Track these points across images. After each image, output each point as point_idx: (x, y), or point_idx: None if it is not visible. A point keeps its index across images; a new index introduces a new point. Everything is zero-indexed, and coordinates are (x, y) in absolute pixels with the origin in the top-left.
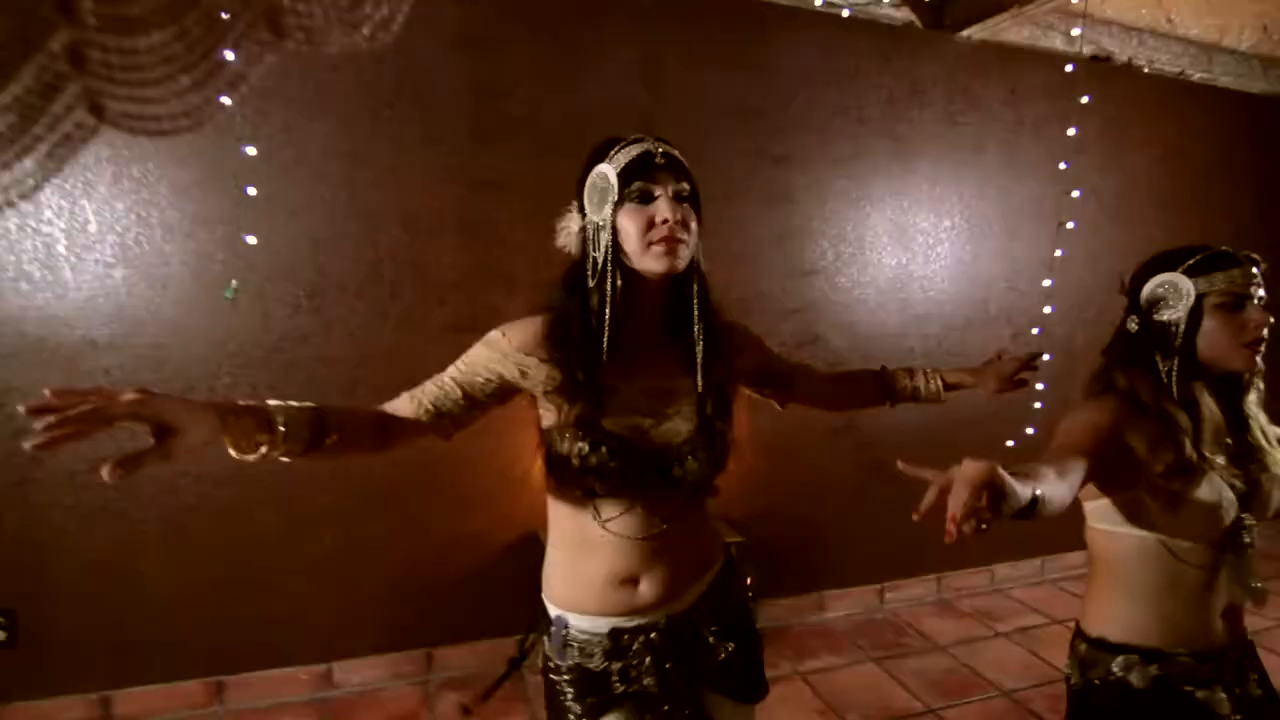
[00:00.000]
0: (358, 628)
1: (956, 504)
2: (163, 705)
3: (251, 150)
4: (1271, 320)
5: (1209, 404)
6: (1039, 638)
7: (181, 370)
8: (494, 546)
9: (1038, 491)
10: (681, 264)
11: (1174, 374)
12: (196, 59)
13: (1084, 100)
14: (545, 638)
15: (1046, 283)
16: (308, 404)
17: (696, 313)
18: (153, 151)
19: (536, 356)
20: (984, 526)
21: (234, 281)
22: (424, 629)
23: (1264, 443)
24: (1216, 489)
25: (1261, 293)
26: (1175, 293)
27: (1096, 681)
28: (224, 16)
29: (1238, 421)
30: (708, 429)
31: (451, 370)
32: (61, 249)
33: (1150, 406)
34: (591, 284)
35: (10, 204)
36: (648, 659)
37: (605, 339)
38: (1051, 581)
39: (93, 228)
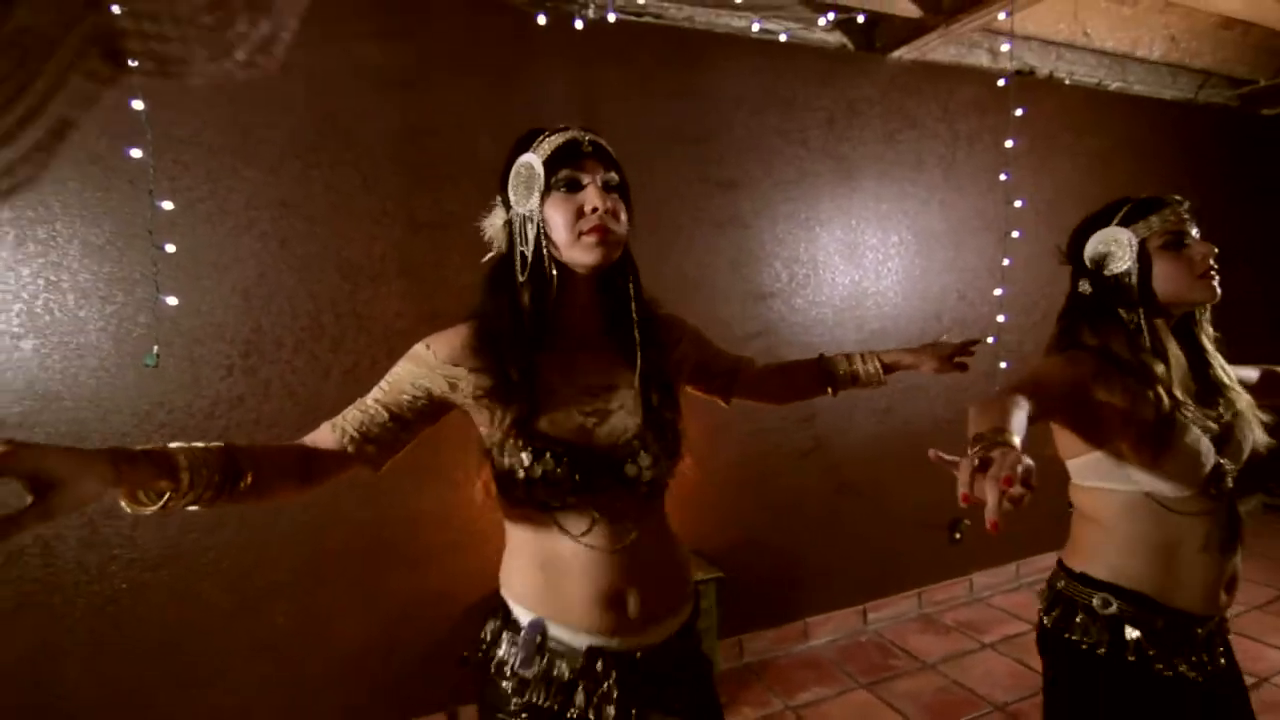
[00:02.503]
0: (319, 711)
1: (999, 477)
2: None
3: (169, 204)
4: (1216, 250)
5: (1174, 349)
6: (1025, 646)
7: (105, 446)
8: (459, 606)
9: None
10: (614, 254)
11: (1142, 322)
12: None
13: (1018, 113)
14: (504, 642)
15: (998, 292)
16: (215, 444)
17: (633, 303)
18: (60, 210)
19: (465, 366)
20: (1024, 499)
21: (155, 347)
22: (391, 704)
23: (1226, 380)
24: (1195, 435)
25: (1194, 230)
26: (1118, 244)
27: (1076, 619)
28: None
29: (1199, 362)
30: (655, 420)
31: (375, 392)
32: None
33: (1127, 360)
34: (521, 279)
35: None
36: (616, 693)
37: (538, 335)
38: (1029, 585)
39: None
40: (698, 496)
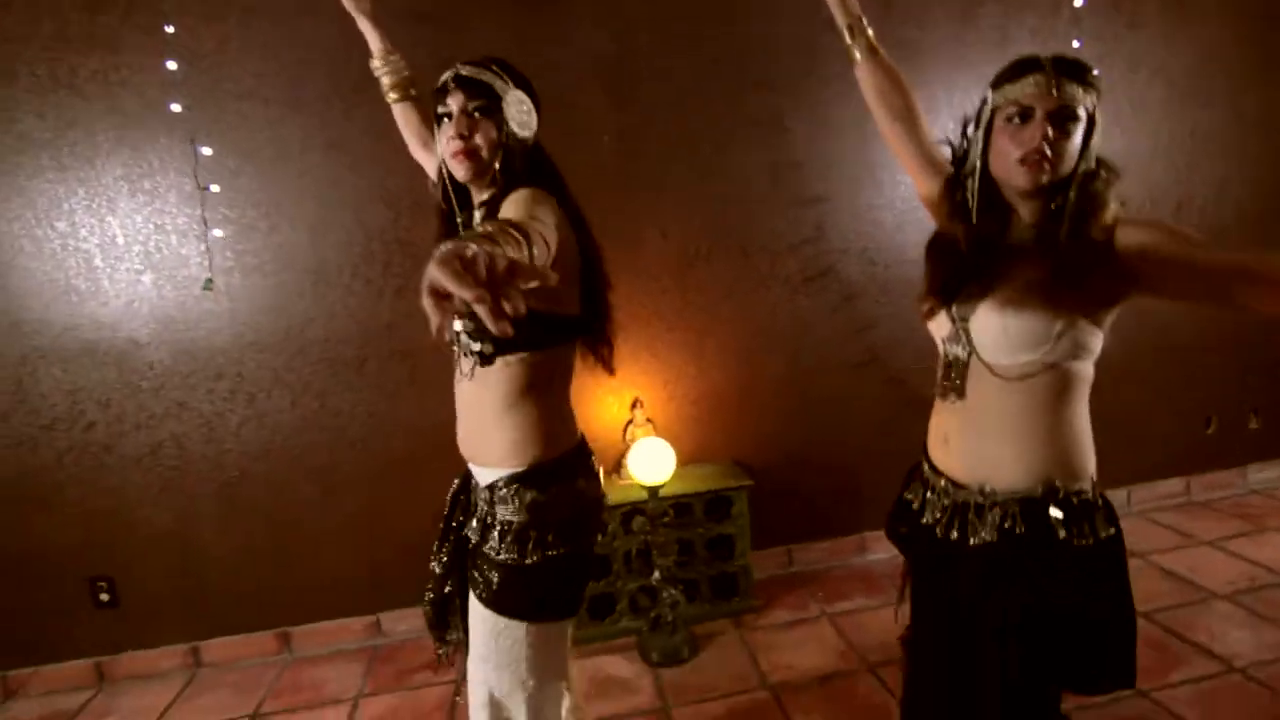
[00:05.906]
0: (393, 582)
1: None
2: (242, 653)
3: (206, 152)
4: (1050, 134)
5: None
6: None
7: (211, 360)
8: None
9: None
10: (479, 164)
11: (974, 196)
12: None
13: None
14: None
15: None
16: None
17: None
18: (160, 166)
19: None
20: None
21: (208, 275)
22: None
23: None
24: (938, 323)
25: (1077, 108)
26: (981, 106)
27: None
28: None
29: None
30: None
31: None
32: (98, 262)
33: (943, 236)
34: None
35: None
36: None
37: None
38: (1139, 514)
39: (120, 240)
40: (739, 405)
